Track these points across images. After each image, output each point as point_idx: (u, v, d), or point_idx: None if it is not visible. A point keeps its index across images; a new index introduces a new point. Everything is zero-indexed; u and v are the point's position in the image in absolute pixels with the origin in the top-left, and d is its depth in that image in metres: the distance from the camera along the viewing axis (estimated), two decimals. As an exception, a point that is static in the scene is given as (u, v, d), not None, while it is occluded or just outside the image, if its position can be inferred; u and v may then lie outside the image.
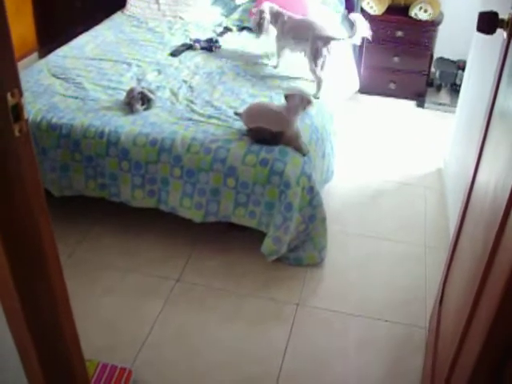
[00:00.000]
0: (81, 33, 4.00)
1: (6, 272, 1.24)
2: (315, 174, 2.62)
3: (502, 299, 1.20)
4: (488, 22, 1.77)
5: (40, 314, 1.38)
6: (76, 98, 2.97)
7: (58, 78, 3.21)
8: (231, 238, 2.85)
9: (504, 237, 1.31)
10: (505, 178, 1.38)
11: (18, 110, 1.07)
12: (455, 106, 3.64)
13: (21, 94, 1.08)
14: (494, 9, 2.53)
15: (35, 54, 4.81)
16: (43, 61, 3.49)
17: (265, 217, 2.55)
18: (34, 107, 2.83)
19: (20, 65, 4.34)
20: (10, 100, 1.06)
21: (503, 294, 1.19)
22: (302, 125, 2.74)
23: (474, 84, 2.95)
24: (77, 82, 3.14)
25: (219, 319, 2.43)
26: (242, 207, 2.57)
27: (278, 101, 2.93)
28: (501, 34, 1.75)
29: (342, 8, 4.30)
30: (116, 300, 2.50)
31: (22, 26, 4.67)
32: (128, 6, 4.41)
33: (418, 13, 4.06)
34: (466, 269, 1.75)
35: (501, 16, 1.74)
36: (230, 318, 2.44)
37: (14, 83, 1.06)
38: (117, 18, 4.30)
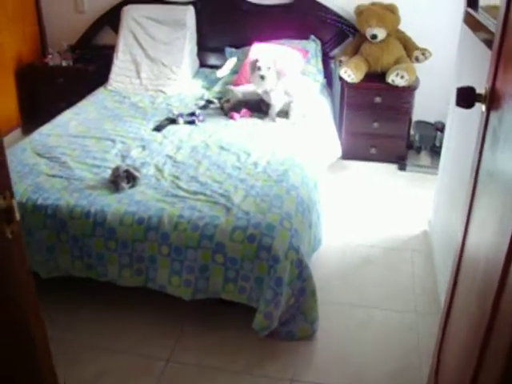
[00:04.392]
0: (64, 108, 4.05)
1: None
2: (303, 247, 2.62)
3: (502, 374, 1.20)
4: (466, 97, 1.82)
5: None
6: (61, 177, 2.97)
7: (43, 157, 3.22)
8: (221, 314, 2.82)
9: (500, 310, 1.31)
10: (495, 252, 1.39)
11: (10, 212, 1.07)
12: (436, 168, 3.69)
13: (12, 195, 1.09)
14: (469, 78, 2.62)
15: (18, 130, 4.84)
16: (27, 139, 3.50)
17: (255, 292, 2.53)
18: (20, 188, 2.83)
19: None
20: (2, 203, 1.06)
21: (504, 369, 1.19)
22: (287, 197, 2.75)
23: (455, 146, 3.01)
24: (61, 161, 3.15)
25: (213, 399, 2.38)
26: (231, 283, 2.55)
27: (263, 173, 2.98)
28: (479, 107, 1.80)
29: (320, 77, 4.40)
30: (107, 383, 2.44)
31: (5, 103, 4.72)
32: (110, 81, 4.48)
33: (395, 79, 4.17)
34: (463, 338, 1.73)
35: (478, 91, 1.79)
36: (223, 398, 2.38)
37: (6, 185, 1.07)
38: (99, 93, 4.36)
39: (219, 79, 4.38)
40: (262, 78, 3.73)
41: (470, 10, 2.76)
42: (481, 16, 2.55)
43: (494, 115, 1.63)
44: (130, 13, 4.61)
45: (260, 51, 4.25)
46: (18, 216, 1.11)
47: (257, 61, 3.77)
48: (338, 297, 2.98)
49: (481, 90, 1.77)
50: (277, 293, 2.46)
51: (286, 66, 3.84)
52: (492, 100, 1.66)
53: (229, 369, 2.52)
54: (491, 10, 2.49)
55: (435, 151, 4.45)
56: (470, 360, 1.51)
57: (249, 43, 4.48)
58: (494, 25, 2.16)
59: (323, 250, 3.26)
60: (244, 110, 3.87)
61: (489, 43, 2.17)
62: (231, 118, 3.81)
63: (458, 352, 1.78)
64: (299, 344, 2.65)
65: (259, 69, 3.73)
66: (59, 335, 2.68)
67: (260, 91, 3.85)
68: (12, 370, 1.24)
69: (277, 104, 3.80)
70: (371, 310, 2.90)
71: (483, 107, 1.75)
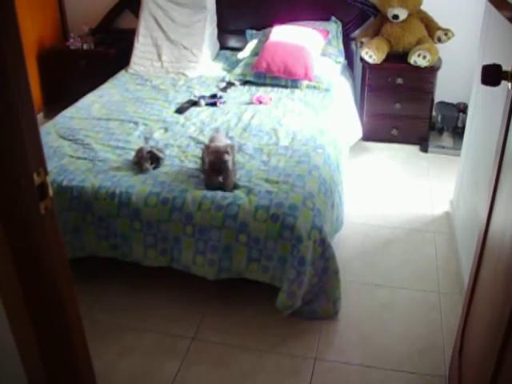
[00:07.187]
0: (85, 92, 4.06)
1: (33, 342, 1.25)
2: (326, 226, 2.62)
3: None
4: (492, 75, 1.80)
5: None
6: (85, 159, 3.01)
7: (67, 139, 3.25)
8: (245, 293, 2.85)
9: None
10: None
11: (43, 188, 1.09)
12: (458, 149, 3.67)
13: (46, 172, 1.11)
14: (494, 57, 2.60)
15: (41, 115, 4.88)
16: (51, 122, 3.54)
17: (278, 271, 2.55)
18: (45, 170, 2.86)
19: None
20: (36, 179, 1.08)
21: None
22: (309, 177, 2.76)
23: (478, 127, 2.99)
24: (85, 143, 3.18)
25: (238, 377, 2.40)
26: (254, 262, 2.57)
27: (284, 153, 2.99)
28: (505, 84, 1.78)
29: (341, 59, 4.38)
30: (132, 361, 2.48)
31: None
32: (131, 64, 4.50)
33: (417, 59, 4.13)
34: (487, 318, 1.73)
35: (504, 68, 1.78)
36: (248, 376, 2.41)
37: (40, 162, 1.09)
38: (121, 76, 4.38)
39: (240, 61, 4.38)
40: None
41: (495, -12, 2.72)
42: (506, -7, 2.52)
43: (520, 93, 1.62)
44: (151, -4, 4.61)
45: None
46: (51, 192, 1.13)
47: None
48: (361, 277, 2.99)
49: (507, 67, 1.76)
50: (300, 272, 2.48)
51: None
52: (519, 77, 1.65)
53: (253, 347, 2.55)
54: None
55: (457, 132, 4.42)
56: (496, 339, 1.50)
57: (269, 25, 4.47)
58: (519, 2, 2.13)
59: (345, 231, 3.27)
60: (265, 96, 3.85)
61: (514, 21, 2.14)
62: (252, 101, 3.80)
63: (483, 331, 1.78)
64: (322, 323, 2.67)
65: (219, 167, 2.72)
66: (83, 315, 2.73)
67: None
68: (46, 344, 1.28)
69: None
70: (394, 290, 2.90)
71: (509, 85, 1.73)
